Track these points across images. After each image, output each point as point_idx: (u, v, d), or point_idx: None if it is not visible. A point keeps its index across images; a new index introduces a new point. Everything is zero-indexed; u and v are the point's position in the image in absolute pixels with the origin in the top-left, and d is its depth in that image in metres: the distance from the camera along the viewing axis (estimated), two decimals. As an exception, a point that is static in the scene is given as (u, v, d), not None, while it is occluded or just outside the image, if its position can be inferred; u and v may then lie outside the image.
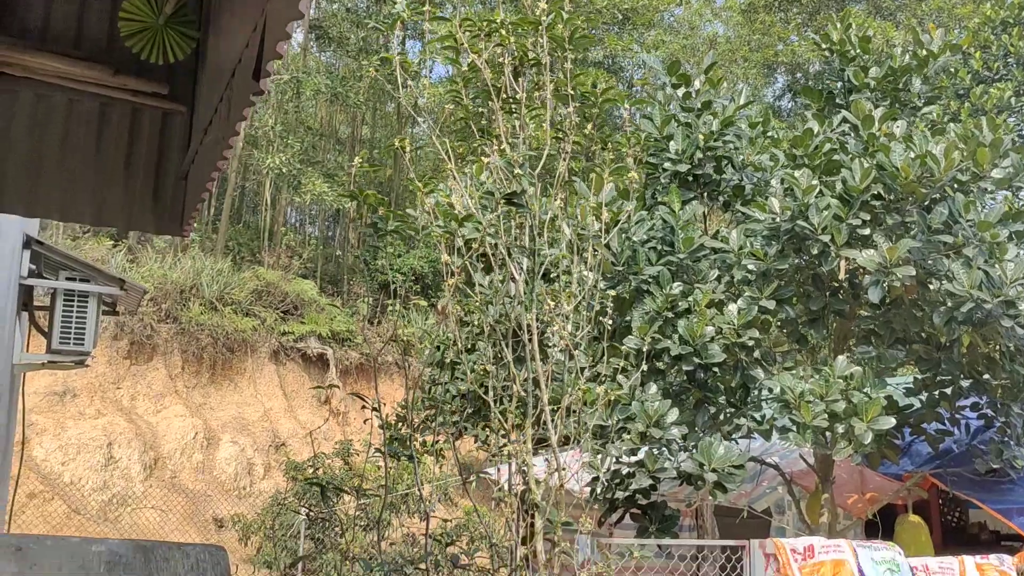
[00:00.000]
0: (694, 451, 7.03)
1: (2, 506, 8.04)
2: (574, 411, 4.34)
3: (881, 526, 8.60)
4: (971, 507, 11.21)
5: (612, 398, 4.78)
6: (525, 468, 4.31)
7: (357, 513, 15.97)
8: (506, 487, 4.38)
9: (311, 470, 17.36)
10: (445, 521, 12.12)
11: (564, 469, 4.12)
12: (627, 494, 7.43)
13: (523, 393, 4.26)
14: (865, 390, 6.88)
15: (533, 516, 4.20)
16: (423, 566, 3.99)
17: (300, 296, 22.70)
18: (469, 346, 7.51)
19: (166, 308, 19.97)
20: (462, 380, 7.96)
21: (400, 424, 9.25)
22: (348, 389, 22.66)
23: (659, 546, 7.23)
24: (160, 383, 19.21)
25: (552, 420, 4.18)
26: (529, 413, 4.20)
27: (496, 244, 4.22)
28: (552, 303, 4.20)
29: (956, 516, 11.53)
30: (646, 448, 6.92)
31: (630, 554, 6.19)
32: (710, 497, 10.26)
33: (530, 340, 4.37)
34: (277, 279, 22.68)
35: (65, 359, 7.53)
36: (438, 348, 8.97)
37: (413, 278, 24.70)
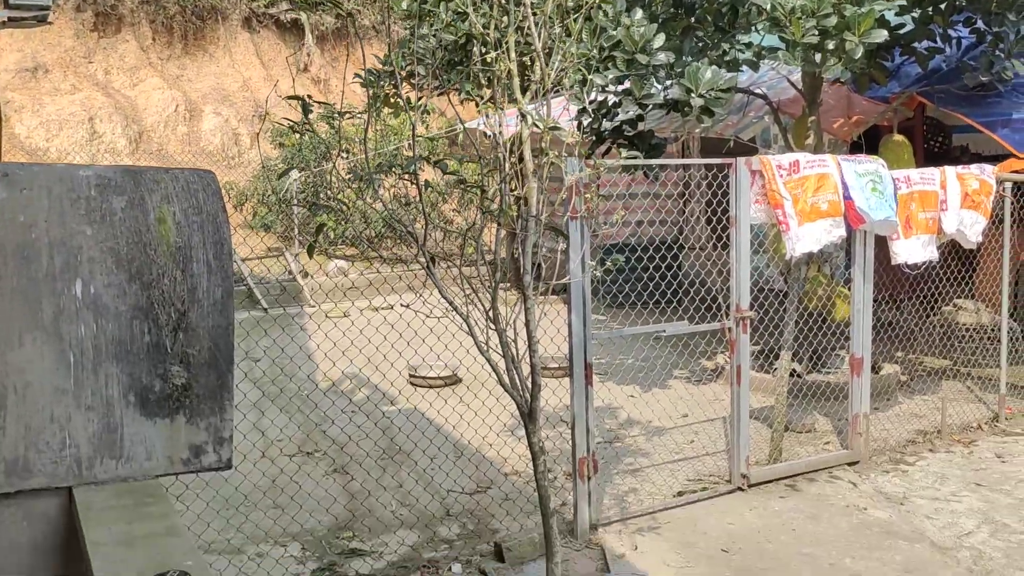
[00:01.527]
0: (681, 78, 6.91)
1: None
2: (553, 21, 4.16)
3: (866, 148, 8.70)
4: (955, 132, 11.34)
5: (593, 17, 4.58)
6: (510, 88, 4.22)
7: (348, 175, 16.17)
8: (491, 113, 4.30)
9: (296, 135, 17.38)
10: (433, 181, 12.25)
11: (549, 77, 4.03)
12: (614, 125, 7.42)
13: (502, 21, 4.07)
14: (857, 8, 6.64)
15: (521, 138, 4.17)
16: (411, 170, 4.01)
17: (264, -44, 21.51)
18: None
19: (125, -25, 18.97)
20: (442, 29, 7.66)
21: (382, 79, 9.02)
22: (326, 56, 22.09)
23: (645, 174, 7.32)
24: (132, 56, 18.66)
25: (535, 27, 4.03)
26: (511, 22, 4.04)
27: None
28: None
29: (939, 142, 11.67)
30: (632, 75, 6.79)
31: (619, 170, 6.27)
32: (696, 130, 10.33)
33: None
34: (237, -63, 21.34)
35: (25, 15, 7.18)
36: (415, -1, 8.57)
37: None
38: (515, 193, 4.11)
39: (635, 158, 5.70)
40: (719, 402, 8.10)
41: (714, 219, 6.59)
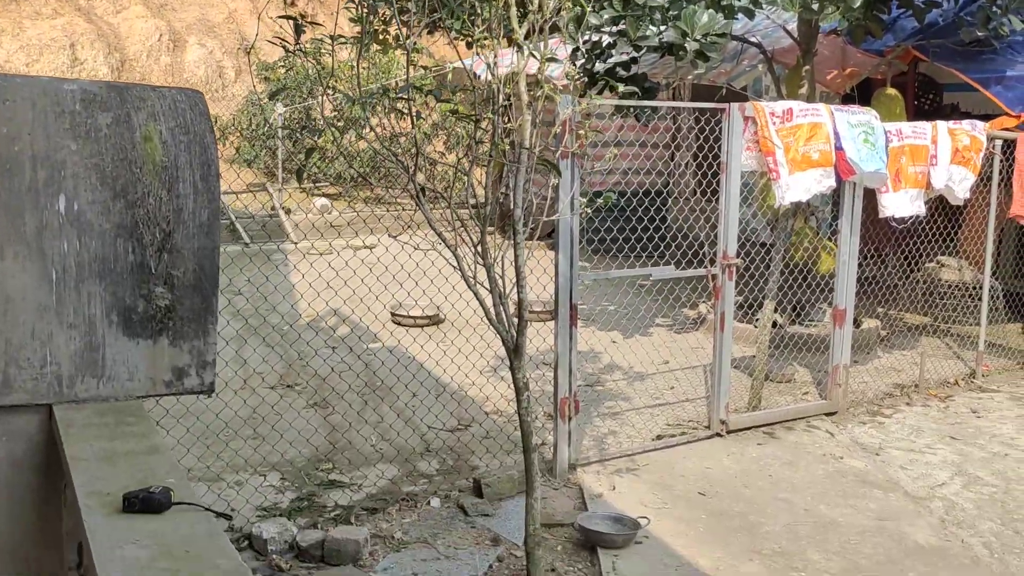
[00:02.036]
0: (677, 20, 6.82)
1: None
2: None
3: (858, 101, 8.65)
4: (946, 89, 11.29)
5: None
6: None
7: (333, 114, 15.97)
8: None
9: (283, 70, 17.12)
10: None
11: (547, 6, 3.95)
12: (607, 67, 7.33)
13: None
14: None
15: (516, 71, 4.09)
16: (405, 96, 3.94)
17: None
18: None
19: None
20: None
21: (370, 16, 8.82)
22: (315, -11, 21.71)
23: (636, 117, 7.25)
24: (116, -19, 18.26)
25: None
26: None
27: None
28: None
29: (930, 99, 11.62)
30: (628, 16, 6.69)
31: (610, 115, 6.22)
32: (689, 76, 10.24)
33: None
34: None
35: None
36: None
37: None
38: (508, 126, 4.05)
39: (633, 94, 5.63)
40: (700, 350, 8.13)
41: (704, 165, 6.55)
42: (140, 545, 2.11)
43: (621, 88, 4.77)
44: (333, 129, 4.78)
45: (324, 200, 15.32)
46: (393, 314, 8.85)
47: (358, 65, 3.96)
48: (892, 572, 4.61)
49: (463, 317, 6.49)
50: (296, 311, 8.47)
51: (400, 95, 3.94)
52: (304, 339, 7.23)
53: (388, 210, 14.39)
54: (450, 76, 12.87)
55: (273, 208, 14.46)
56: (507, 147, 4.06)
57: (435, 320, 8.95)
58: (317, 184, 16.11)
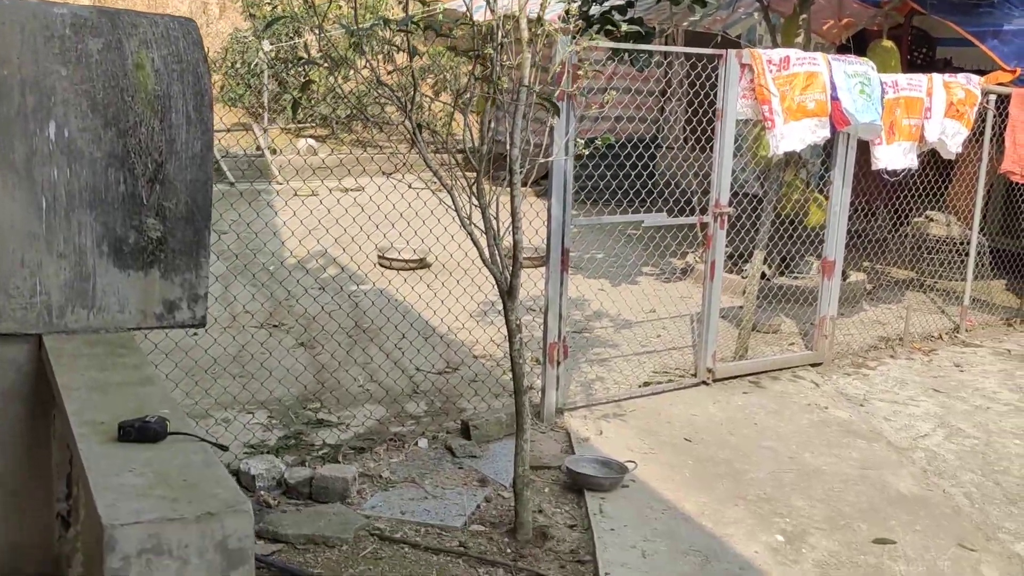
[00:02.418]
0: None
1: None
2: None
3: (854, 52, 8.57)
4: (939, 44, 11.23)
5: None
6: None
7: (320, 54, 15.64)
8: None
9: (269, 7, 16.80)
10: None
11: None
12: (603, 10, 7.21)
13: None
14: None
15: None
16: (404, 29, 3.86)
17: None
18: None
19: None
20: None
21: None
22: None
23: (631, 63, 7.16)
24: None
25: None
26: None
27: None
28: None
29: (923, 53, 11.55)
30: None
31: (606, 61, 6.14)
32: (684, 23, 10.14)
33: None
34: None
35: None
36: None
37: None
38: (507, 63, 4.00)
39: (636, 33, 5.55)
40: (687, 299, 8.14)
41: (699, 112, 6.49)
42: (136, 473, 2.09)
43: (624, 27, 4.70)
44: (324, 66, 4.69)
45: (310, 141, 15.16)
46: (380, 257, 8.80)
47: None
48: (874, 520, 4.66)
49: (454, 259, 6.46)
50: (281, 253, 8.41)
51: (400, 28, 3.86)
52: (293, 278, 7.18)
53: (380, 151, 14.24)
54: (441, 17, 12.71)
55: (259, 148, 14.29)
56: (505, 83, 4.01)
57: (422, 263, 8.91)
58: (303, 125, 15.92)
